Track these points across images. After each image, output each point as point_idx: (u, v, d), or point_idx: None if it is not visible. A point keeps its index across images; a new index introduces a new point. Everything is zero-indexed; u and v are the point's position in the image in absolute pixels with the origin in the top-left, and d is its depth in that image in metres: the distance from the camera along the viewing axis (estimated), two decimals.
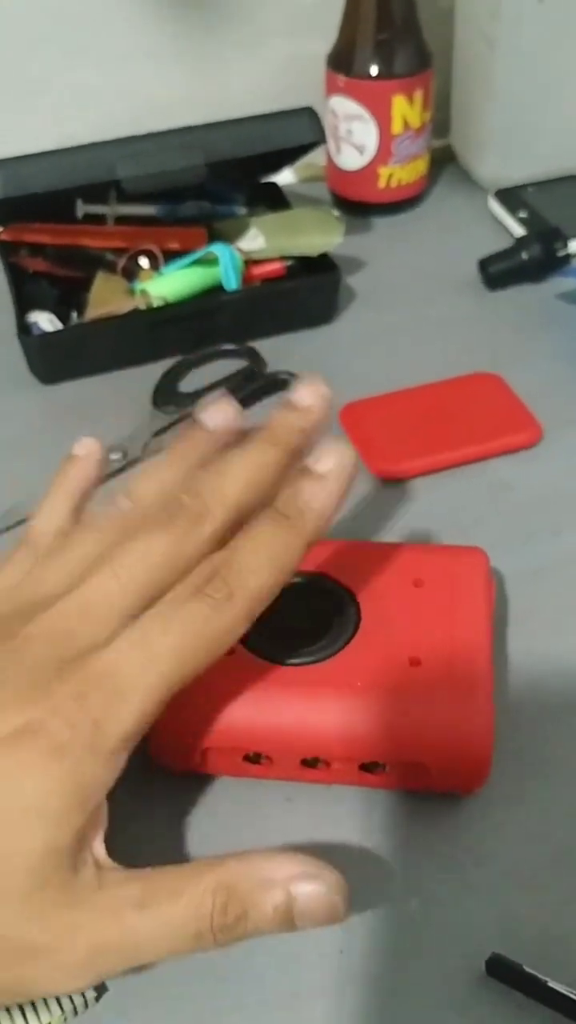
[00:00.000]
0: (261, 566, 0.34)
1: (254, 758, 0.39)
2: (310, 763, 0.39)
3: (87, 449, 0.42)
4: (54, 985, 0.31)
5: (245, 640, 0.40)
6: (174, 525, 0.34)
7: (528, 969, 0.34)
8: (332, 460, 0.36)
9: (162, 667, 0.32)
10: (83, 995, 0.34)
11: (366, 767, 0.38)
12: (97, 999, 0.34)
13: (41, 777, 0.30)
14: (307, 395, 0.38)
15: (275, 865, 0.32)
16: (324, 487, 0.36)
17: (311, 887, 0.32)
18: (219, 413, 0.40)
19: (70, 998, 0.33)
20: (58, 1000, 0.33)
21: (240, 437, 0.39)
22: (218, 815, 0.40)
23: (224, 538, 0.35)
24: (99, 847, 0.32)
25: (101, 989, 0.34)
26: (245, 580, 0.33)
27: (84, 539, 0.36)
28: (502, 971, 0.34)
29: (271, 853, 0.33)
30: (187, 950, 0.31)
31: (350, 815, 0.40)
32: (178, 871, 0.32)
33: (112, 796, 0.33)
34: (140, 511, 0.36)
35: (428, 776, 0.38)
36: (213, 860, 0.32)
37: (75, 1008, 0.33)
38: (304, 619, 0.40)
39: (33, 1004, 0.33)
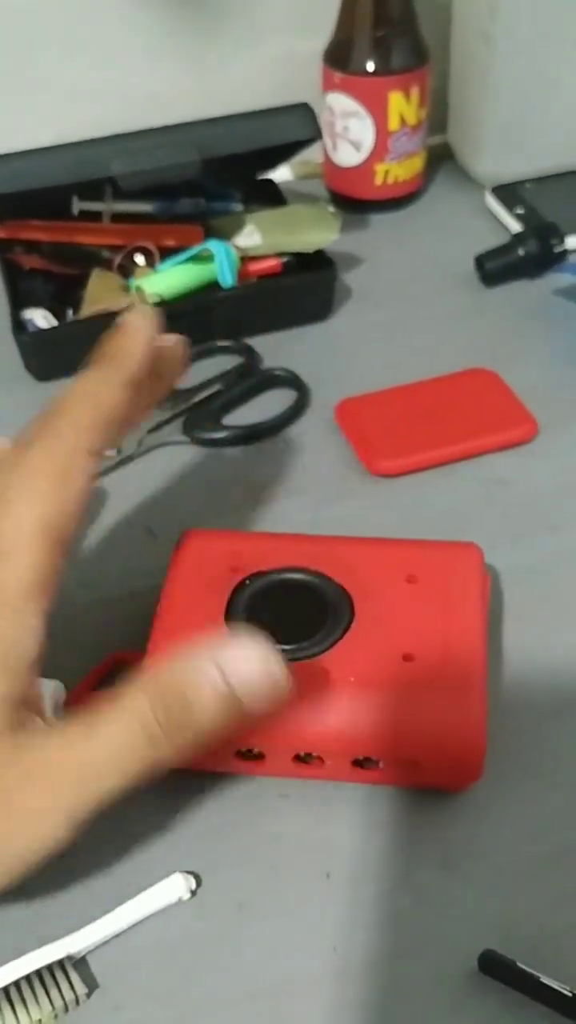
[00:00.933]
0: (81, 402, 0.36)
1: (247, 754, 0.39)
2: (303, 759, 0.39)
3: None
4: (27, 837, 0.32)
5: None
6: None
7: (521, 965, 0.34)
8: (133, 316, 0.40)
9: (22, 511, 0.34)
10: (73, 991, 0.33)
11: (359, 763, 0.38)
12: (88, 995, 0.34)
13: None
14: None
15: (200, 651, 0.33)
16: (129, 332, 0.39)
17: (240, 661, 0.33)
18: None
19: (61, 996, 0.33)
20: (49, 997, 0.33)
21: None
22: (211, 811, 0.40)
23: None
24: (38, 706, 0.34)
25: (92, 986, 0.34)
26: (68, 416, 0.36)
27: None
28: (495, 968, 0.34)
29: (195, 644, 0.33)
30: (143, 763, 0.32)
31: (344, 811, 0.39)
32: (114, 694, 0.33)
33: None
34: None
35: (421, 772, 0.38)
36: (136, 679, 0.33)
37: (66, 1005, 0.33)
38: (297, 615, 0.40)
39: (24, 1001, 0.33)
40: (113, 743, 0.32)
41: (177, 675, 0.33)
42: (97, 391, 0.37)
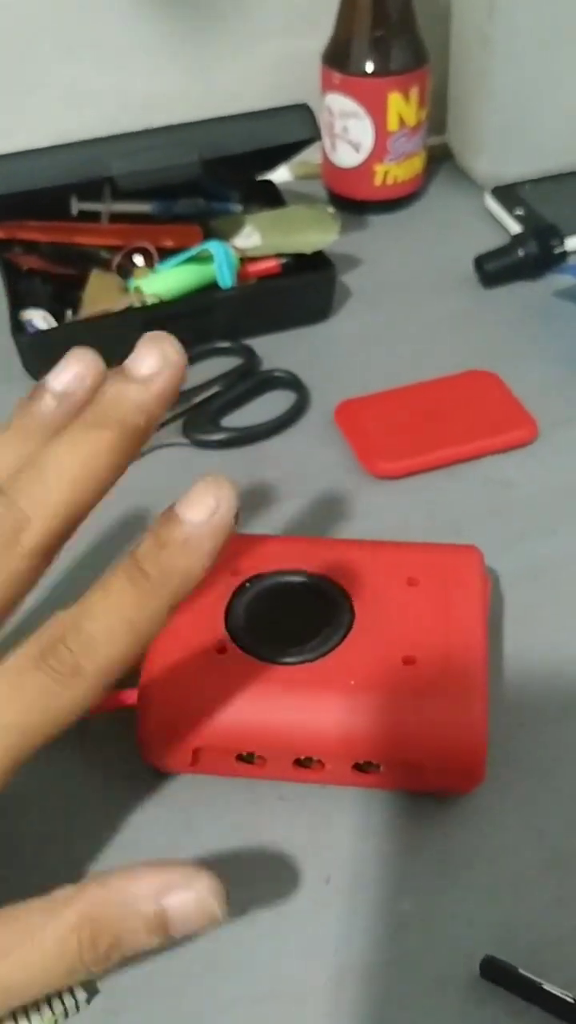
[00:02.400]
0: (113, 633, 0.30)
1: (247, 758, 0.39)
2: (304, 763, 0.39)
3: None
4: None
5: (237, 639, 0.40)
6: None
7: (523, 971, 0.33)
8: (202, 512, 0.31)
9: (3, 743, 0.29)
10: (74, 997, 0.33)
11: (360, 767, 0.38)
12: (88, 1001, 0.34)
13: None
14: (147, 361, 0.32)
15: (139, 883, 0.30)
16: (196, 547, 0.30)
17: (181, 897, 0.30)
18: (70, 375, 0.33)
19: (61, 1001, 0.33)
20: (49, 1003, 0.33)
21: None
22: (211, 815, 0.39)
23: (53, 547, 0.31)
24: None
25: (92, 991, 0.34)
26: (95, 651, 0.29)
27: None
28: (496, 973, 0.34)
29: (133, 870, 0.30)
30: (58, 986, 0.30)
31: (344, 815, 0.39)
32: (37, 908, 0.30)
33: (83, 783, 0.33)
34: None
35: (422, 776, 0.38)
36: (72, 891, 0.30)
37: (66, 1011, 0.33)
38: (297, 618, 0.40)
39: (25, 1009, 0.33)
40: (29, 969, 0.29)
41: (110, 911, 0.30)
42: (138, 622, 0.30)
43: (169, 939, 0.30)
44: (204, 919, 0.30)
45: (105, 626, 0.30)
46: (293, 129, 0.63)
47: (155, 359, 0.32)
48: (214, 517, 0.30)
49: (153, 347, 0.32)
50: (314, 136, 0.64)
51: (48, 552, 0.31)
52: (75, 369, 0.33)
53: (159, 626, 0.31)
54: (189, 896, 0.30)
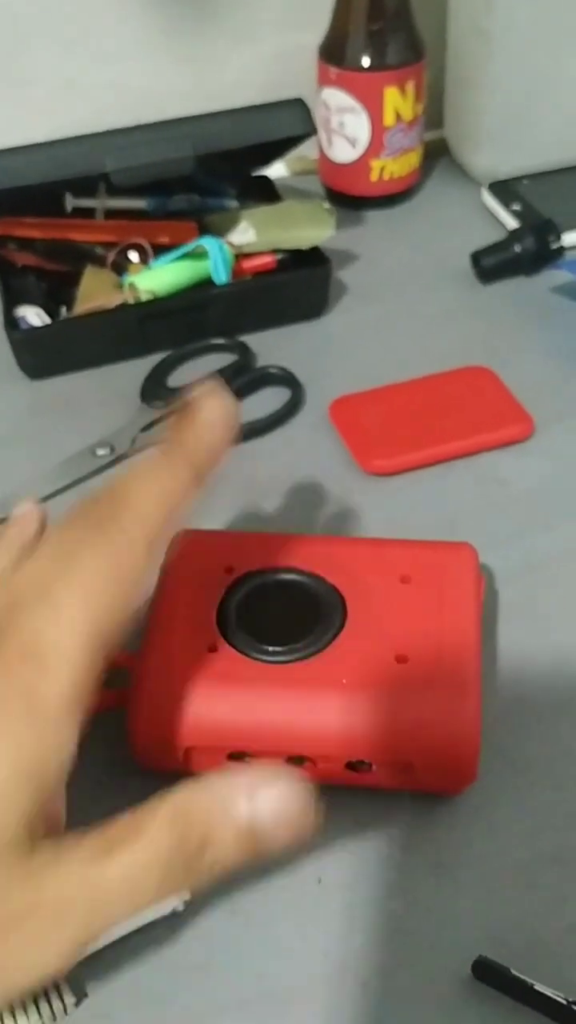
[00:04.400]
0: (148, 494, 0.33)
1: (238, 757, 0.39)
2: (296, 761, 0.38)
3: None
4: (28, 965, 0.29)
5: (229, 637, 0.39)
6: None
7: (515, 972, 0.33)
8: (213, 403, 0.36)
9: (71, 614, 0.31)
10: (62, 1001, 0.33)
11: (352, 766, 0.38)
12: (77, 1004, 0.34)
13: None
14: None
15: (230, 782, 0.31)
16: (208, 424, 0.35)
17: (271, 796, 0.30)
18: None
19: (49, 1005, 0.33)
20: (36, 1005, 0.33)
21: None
22: None
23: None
24: (57, 819, 0.32)
25: (80, 995, 0.34)
26: (135, 508, 0.32)
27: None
28: (489, 974, 0.34)
29: (225, 772, 0.31)
30: (158, 893, 0.30)
31: (335, 815, 0.39)
32: (132, 814, 0.31)
33: (72, 784, 0.32)
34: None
35: (415, 775, 0.37)
36: (167, 793, 0.31)
37: (54, 1014, 0.33)
38: (289, 616, 0.40)
39: (12, 1010, 0.32)
40: (125, 870, 0.30)
41: (201, 806, 0.30)
42: (169, 486, 0.33)
43: (257, 846, 0.30)
44: (293, 826, 0.30)
45: (138, 489, 0.33)
46: (287, 124, 0.63)
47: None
48: (219, 407, 0.35)
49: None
50: (308, 131, 0.63)
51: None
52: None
53: (188, 489, 0.33)
54: (279, 797, 0.30)
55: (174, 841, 0.30)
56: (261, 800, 0.30)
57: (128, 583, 0.32)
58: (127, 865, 0.29)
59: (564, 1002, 0.32)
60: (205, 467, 0.34)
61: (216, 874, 0.30)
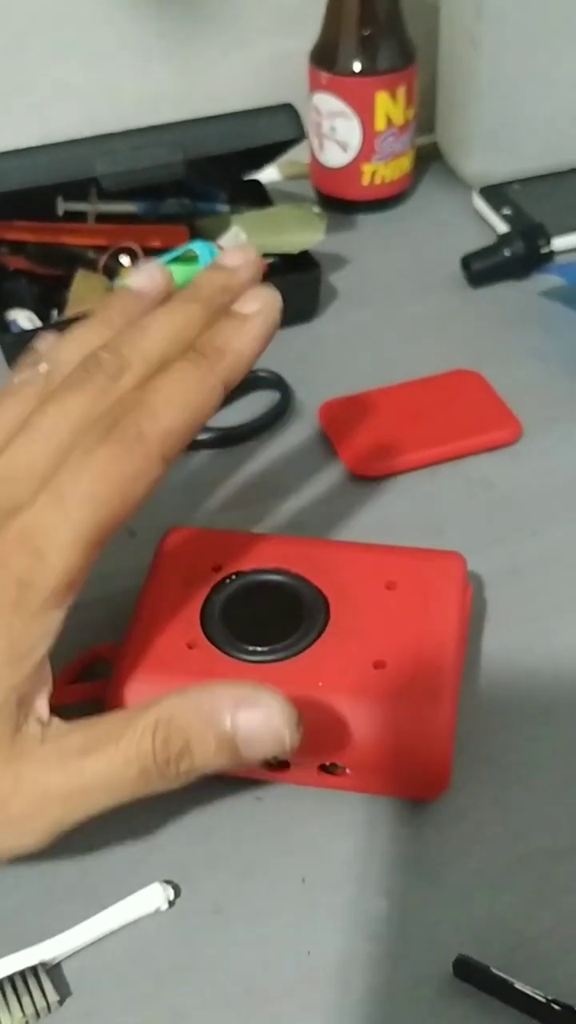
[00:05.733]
0: (173, 404, 0.33)
1: None
2: (270, 763, 0.38)
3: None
4: (7, 841, 0.32)
5: (210, 635, 0.40)
6: (91, 382, 0.34)
7: (495, 971, 0.33)
8: (256, 303, 0.36)
9: (75, 515, 0.31)
10: (46, 999, 0.33)
11: (326, 768, 0.38)
12: (60, 1003, 0.34)
13: None
14: (234, 257, 0.38)
15: (214, 695, 0.32)
16: (245, 327, 0.35)
17: (251, 713, 0.32)
18: (146, 276, 0.39)
19: (32, 1003, 0.33)
20: (20, 1003, 0.33)
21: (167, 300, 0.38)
22: (187, 815, 0.39)
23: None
24: (42, 705, 0.33)
25: (64, 993, 0.34)
26: (156, 418, 0.33)
27: (3, 406, 0.36)
28: (469, 973, 0.34)
29: (210, 685, 0.33)
30: (134, 791, 0.32)
31: (319, 815, 0.39)
32: (119, 715, 0.32)
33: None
34: (60, 373, 0.36)
35: (387, 781, 0.38)
36: (152, 699, 0.32)
37: (37, 1012, 0.33)
38: (271, 617, 0.40)
39: None
40: (106, 765, 0.31)
41: (184, 716, 0.32)
42: (197, 400, 0.34)
43: (235, 756, 0.32)
44: (272, 742, 0.32)
45: (165, 397, 0.33)
46: (278, 129, 0.63)
47: (238, 256, 0.38)
48: (264, 311, 0.36)
49: (238, 249, 0.39)
50: (299, 136, 0.64)
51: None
52: (151, 275, 0.39)
53: (213, 402, 0.34)
54: (260, 714, 0.32)
55: (157, 745, 0.31)
56: (243, 715, 0.32)
57: (136, 494, 0.32)
58: (107, 762, 0.31)
59: (543, 1000, 0.32)
60: (235, 380, 0.35)
61: (191, 779, 0.32)
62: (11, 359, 0.61)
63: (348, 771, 0.38)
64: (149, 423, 0.32)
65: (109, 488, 0.32)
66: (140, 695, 0.38)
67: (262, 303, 0.36)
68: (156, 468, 0.33)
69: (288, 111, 0.63)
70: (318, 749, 0.37)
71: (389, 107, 0.72)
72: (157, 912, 0.36)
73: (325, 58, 0.72)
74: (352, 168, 0.75)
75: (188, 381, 0.34)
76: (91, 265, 0.66)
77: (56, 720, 0.33)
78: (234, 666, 0.39)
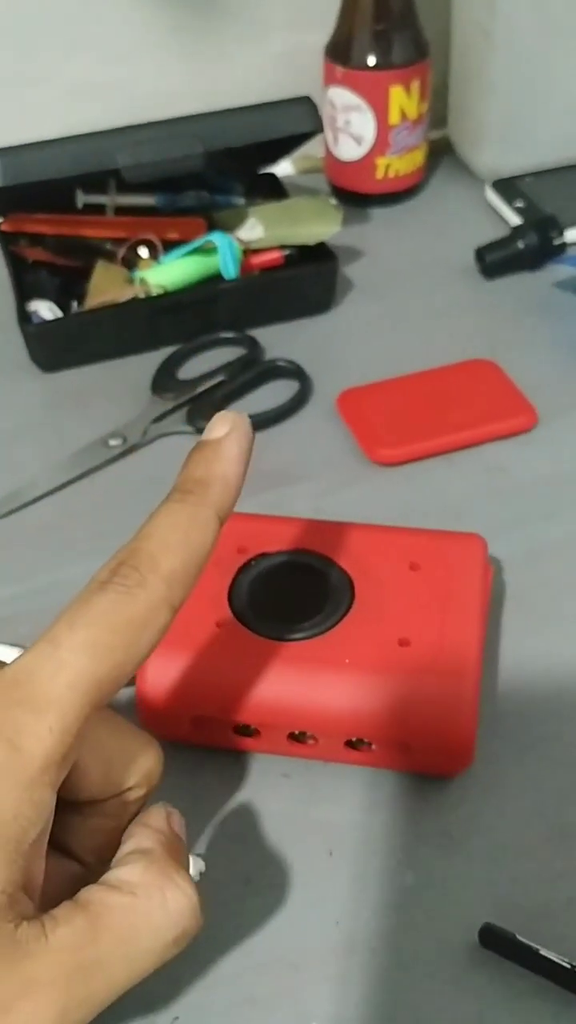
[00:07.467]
0: (171, 547, 0.31)
1: (243, 730, 0.40)
2: (297, 737, 0.39)
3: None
4: None
5: (238, 615, 0.40)
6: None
7: (520, 938, 0.34)
8: (224, 426, 0.34)
9: (75, 665, 0.28)
10: None
11: (352, 744, 0.39)
12: None
13: None
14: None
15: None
16: (221, 451, 0.33)
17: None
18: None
19: None
20: None
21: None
22: (216, 789, 0.40)
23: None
24: (35, 890, 0.29)
25: None
26: (156, 563, 0.30)
27: None
28: (495, 941, 0.35)
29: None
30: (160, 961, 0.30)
31: (346, 791, 0.40)
32: (116, 882, 0.30)
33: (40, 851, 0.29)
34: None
35: (411, 756, 0.39)
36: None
37: None
38: (299, 596, 0.41)
39: None
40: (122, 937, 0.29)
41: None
42: (192, 536, 0.31)
43: None
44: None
45: (160, 541, 0.31)
46: (295, 121, 0.64)
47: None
48: (234, 430, 0.34)
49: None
50: (316, 128, 0.64)
51: None
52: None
53: (211, 537, 0.32)
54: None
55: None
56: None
57: (141, 644, 0.30)
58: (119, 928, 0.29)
59: (568, 966, 0.33)
60: (227, 507, 0.33)
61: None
62: (33, 349, 0.62)
63: (373, 747, 0.39)
64: (151, 570, 0.30)
65: (111, 637, 0.29)
66: (171, 670, 0.39)
67: (230, 424, 0.34)
68: (162, 615, 0.30)
69: (306, 104, 0.64)
70: (345, 725, 0.38)
71: (403, 101, 0.73)
72: None
73: (340, 52, 0.73)
74: (366, 161, 0.76)
75: (180, 520, 0.32)
76: (110, 257, 0.66)
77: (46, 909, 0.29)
78: (262, 644, 0.39)
